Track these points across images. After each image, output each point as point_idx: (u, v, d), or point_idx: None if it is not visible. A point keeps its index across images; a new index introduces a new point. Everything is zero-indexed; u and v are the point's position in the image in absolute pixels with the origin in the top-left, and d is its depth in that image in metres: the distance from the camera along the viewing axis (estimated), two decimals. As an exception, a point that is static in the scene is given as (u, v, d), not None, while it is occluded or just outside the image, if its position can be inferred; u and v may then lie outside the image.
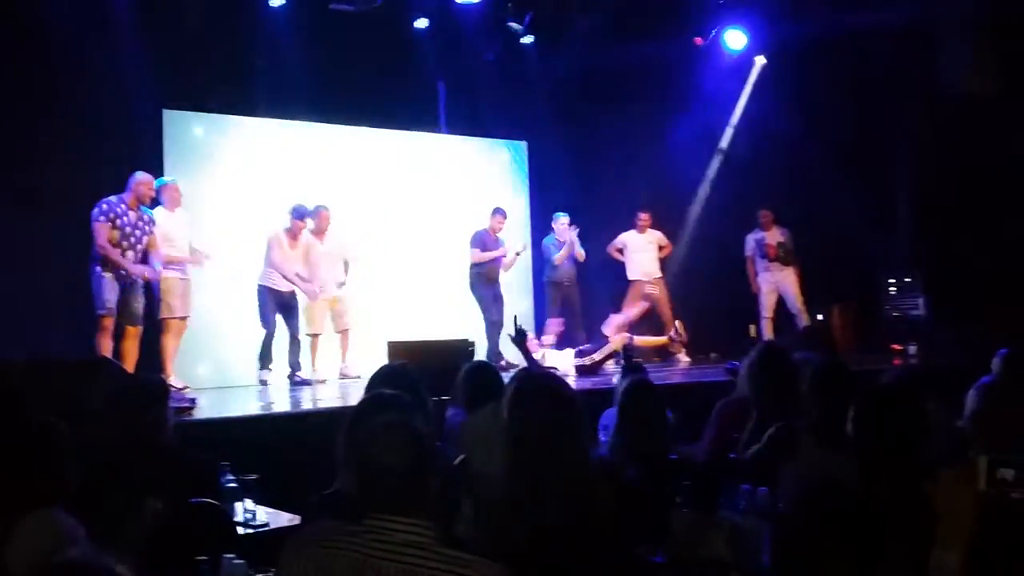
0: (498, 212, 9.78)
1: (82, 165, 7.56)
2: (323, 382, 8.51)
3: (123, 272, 7.19)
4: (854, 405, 3.10)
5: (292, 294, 8.49)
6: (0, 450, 2.72)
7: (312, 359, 8.75)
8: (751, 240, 10.49)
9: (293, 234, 8.48)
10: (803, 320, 10.15)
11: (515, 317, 6.82)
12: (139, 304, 7.36)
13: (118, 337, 7.24)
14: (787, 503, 3.04)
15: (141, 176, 7.37)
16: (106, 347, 7.07)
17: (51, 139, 7.93)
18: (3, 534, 2.50)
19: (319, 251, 8.78)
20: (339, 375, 8.81)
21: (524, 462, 2.73)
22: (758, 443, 3.74)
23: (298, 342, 8.51)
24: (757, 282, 10.45)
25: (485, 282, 9.53)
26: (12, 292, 7.60)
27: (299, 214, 8.48)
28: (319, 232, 8.82)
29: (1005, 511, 2.46)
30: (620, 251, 10.52)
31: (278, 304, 8.43)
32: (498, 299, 9.61)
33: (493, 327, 9.40)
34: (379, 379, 3.75)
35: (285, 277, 8.38)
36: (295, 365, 8.45)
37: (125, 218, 7.23)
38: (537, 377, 3.08)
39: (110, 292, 7.14)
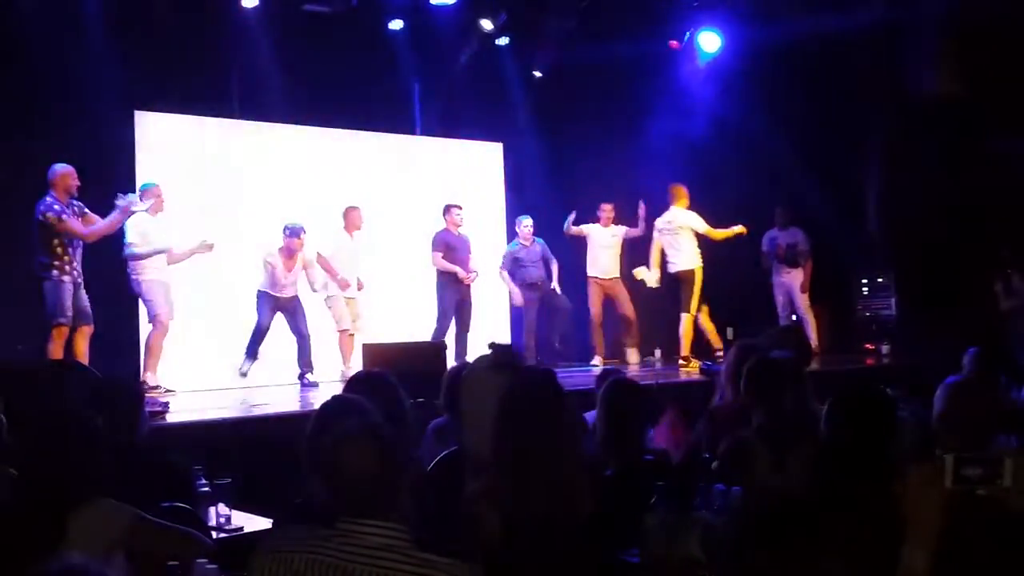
0: (453, 207, 9.40)
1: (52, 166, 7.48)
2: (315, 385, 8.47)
3: (75, 268, 7.10)
4: (826, 405, 3.13)
5: (294, 298, 8.51)
6: (47, 444, 2.71)
7: (345, 358, 8.73)
8: (766, 238, 10.37)
9: (288, 252, 8.44)
10: (809, 323, 10.01)
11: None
12: (87, 302, 7.26)
13: (70, 337, 7.13)
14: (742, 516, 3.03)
15: (61, 168, 7.16)
16: (58, 356, 6.94)
17: (22, 141, 7.85)
18: (58, 528, 2.52)
19: (350, 247, 8.88)
20: (341, 377, 8.70)
21: (514, 456, 2.74)
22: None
23: (307, 340, 8.49)
24: (771, 281, 10.34)
25: (453, 285, 9.23)
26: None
27: (293, 232, 8.41)
28: (351, 228, 8.91)
29: (972, 508, 2.48)
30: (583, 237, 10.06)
31: (276, 308, 8.47)
32: (466, 304, 9.32)
33: (441, 332, 9.18)
34: (352, 386, 3.74)
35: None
36: (306, 366, 8.44)
37: (64, 213, 7.11)
38: (533, 372, 3.09)
39: (68, 298, 7.04)
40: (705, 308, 9.42)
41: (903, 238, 10.31)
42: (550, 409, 2.85)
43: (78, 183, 7.23)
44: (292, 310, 8.52)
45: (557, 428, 2.83)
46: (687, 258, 9.33)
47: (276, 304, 8.47)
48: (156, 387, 7.63)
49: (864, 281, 10.63)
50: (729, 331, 10.12)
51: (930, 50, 10.05)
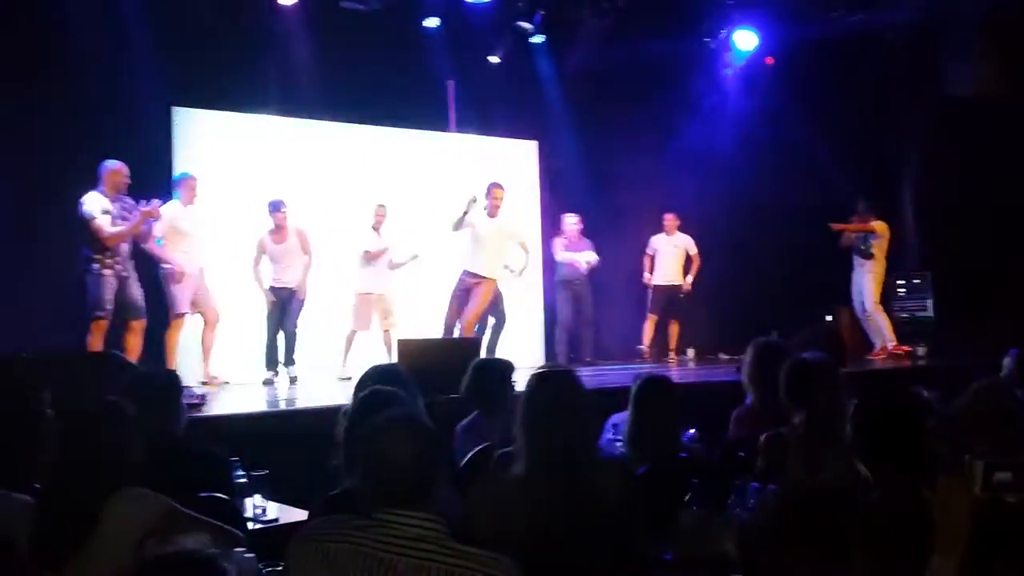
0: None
1: (92, 162, 7.58)
2: (349, 379, 8.50)
3: (118, 263, 7.11)
4: (853, 409, 3.10)
5: (290, 291, 8.49)
6: (82, 433, 2.75)
7: (345, 356, 8.79)
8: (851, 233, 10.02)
9: (277, 228, 8.44)
10: (870, 321, 9.87)
11: None
12: (138, 296, 7.27)
13: (120, 332, 7.18)
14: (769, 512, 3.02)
15: (112, 164, 7.22)
16: (96, 348, 6.96)
17: (61, 135, 7.94)
18: (92, 515, 2.55)
19: (378, 246, 8.90)
20: None
21: (539, 455, 2.76)
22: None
23: (293, 338, 8.50)
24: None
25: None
26: (20, 288, 7.65)
27: (274, 207, 8.43)
28: (376, 228, 8.93)
29: (1001, 515, 2.45)
30: (651, 257, 10.51)
31: (278, 303, 8.49)
32: (498, 298, 9.25)
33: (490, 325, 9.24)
34: (370, 379, 3.76)
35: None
36: (288, 362, 8.48)
37: (110, 211, 7.14)
38: (554, 371, 3.10)
39: (108, 292, 7.06)
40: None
41: (941, 238, 10.19)
42: (568, 406, 2.86)
43: (128, 180, 7.28)
44: (287, 305, 8.47)
45: (574, 424, 2.84)
46: None
47: (278, 298, 8.47)
48: (213, 379, 7.71)
49: (900, 282, 10.52)
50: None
51: (969, 49, 9.93)
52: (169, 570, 1.80)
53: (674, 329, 10.54)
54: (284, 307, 8.50)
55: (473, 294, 8.74)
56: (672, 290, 10.40)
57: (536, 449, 2.82)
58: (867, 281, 9.89)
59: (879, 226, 9.85)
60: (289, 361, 8.50)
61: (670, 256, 10.42)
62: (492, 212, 8.92)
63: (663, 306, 10.40)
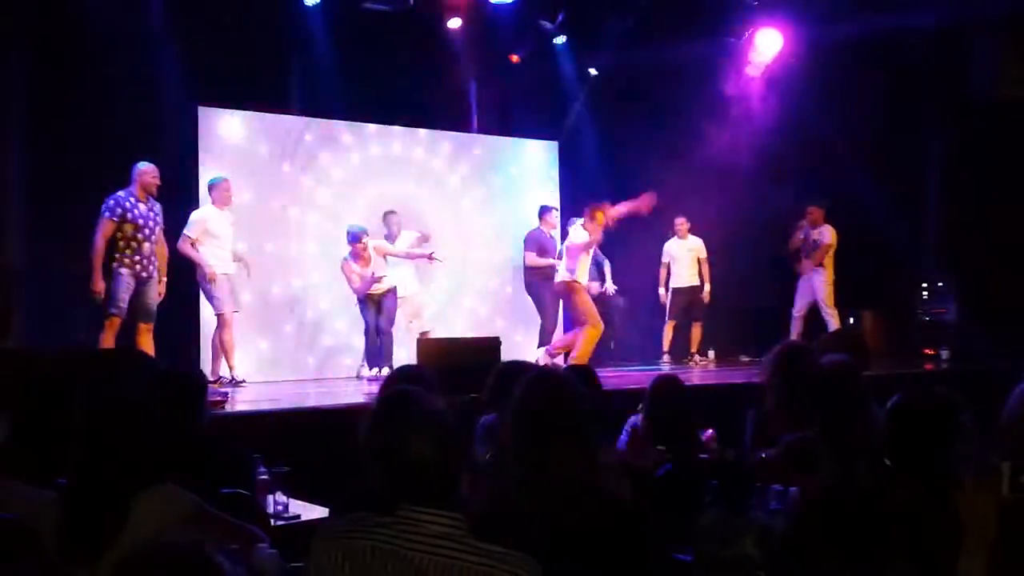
0: (549, 210, 9.77)
1: (117, 160, 7.63)
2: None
3: (137, 262, 7.14)
4: (886, 412, 3.08)
5: (386, 293, 8.67)
6: (111, 430, 2.78)
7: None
8: (800, 234, 10.07)
9: (356, 256, 8.57)
10: (833, 323, 9.84)
11: None
12: (153, 301, 7.29)
13: (132, 334, 7.21)
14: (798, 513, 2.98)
15: (144, 166, 7.25)
16: (108, 346, 6.97)
17: (87, 134, 8.00)
18: (122, 511, 2.58)
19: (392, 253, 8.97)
20: None
21: (529, 459, 2.72)
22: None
23: (386, 337, 8.63)
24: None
25: (543, 281, 9.35)
26: (48, 285, 7.72)
27: (354, 237, 8.54)
28: (391, 238, 9.00)
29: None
30: (667, 265, 10.50)
31: (373, 304, 8.65)
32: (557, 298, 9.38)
33: (552, 327, 9.35)
34: (395, 380, 3.77)
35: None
36: (385, 361, 8.55)
37: (136, 211, 7.15)
38: (541, 374, 3.03)
39: (125, 291, 7.08)
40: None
41: (965, 241, 10.12)
42: (561, 408, 2.78)
43: (158, 182, 7.30)
44: (380, 306, 8.65)
45: (565, 427, 2.75)
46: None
47: (372, 300, 8.64)
48: (219, 379, 7.75)
49: (924, 285, 10.46)
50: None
51: (994, 50, 9.86)
52: (158, 564, 1.80)
53: (696, 332, 10.47)
54: (378, 307, 8.68)
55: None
56: (691, 292, 10.34)
57: (527, 466, 2.72)
58: (820, 286, 9.82)
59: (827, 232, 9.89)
60: (384, 363, 8.48)
61: (685, 260, 10.39)
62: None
63: (683, 309, 10.35)
